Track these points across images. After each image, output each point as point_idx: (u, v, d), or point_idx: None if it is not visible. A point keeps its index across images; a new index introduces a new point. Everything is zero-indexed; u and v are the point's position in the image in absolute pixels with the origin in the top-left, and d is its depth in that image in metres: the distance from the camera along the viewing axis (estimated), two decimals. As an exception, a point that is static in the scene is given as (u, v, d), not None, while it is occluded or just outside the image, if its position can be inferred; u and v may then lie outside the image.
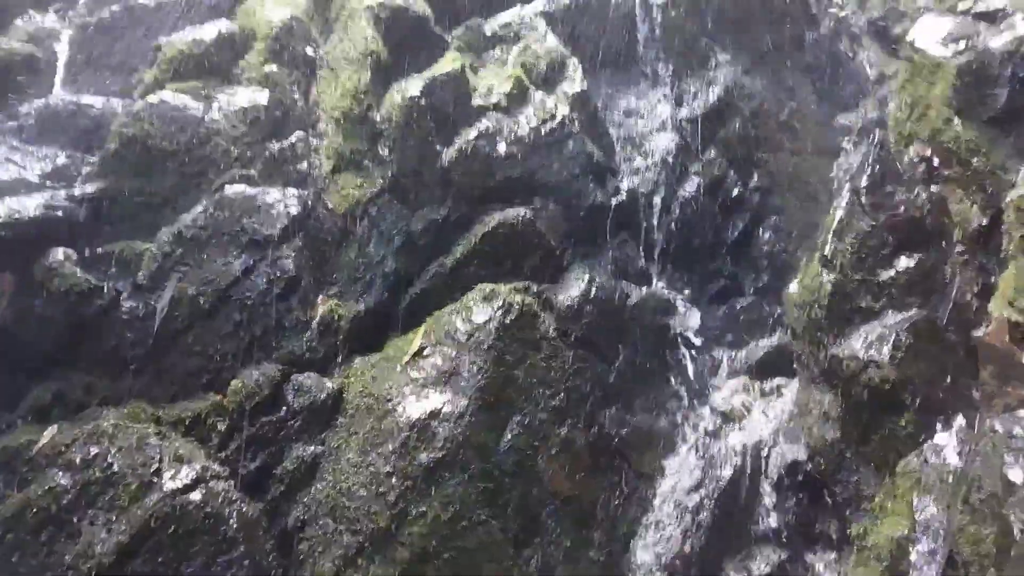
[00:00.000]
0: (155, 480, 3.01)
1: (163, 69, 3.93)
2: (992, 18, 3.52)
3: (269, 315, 3.53)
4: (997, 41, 3.37)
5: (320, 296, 3.70)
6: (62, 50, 4.14)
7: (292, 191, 3.79)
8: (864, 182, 3.48)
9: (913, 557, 2.61)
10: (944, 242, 3.30)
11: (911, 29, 3.75)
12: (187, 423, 3.27)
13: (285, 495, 3.27)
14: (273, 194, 3.74)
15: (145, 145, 3.65)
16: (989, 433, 2.51)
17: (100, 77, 4.13)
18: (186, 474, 3.05)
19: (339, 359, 3.61)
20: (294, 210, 3.72)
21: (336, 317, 3.66)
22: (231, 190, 3.66)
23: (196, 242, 3.54)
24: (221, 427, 3.28)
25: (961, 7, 3.76)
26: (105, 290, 3.37)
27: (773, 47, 4.97)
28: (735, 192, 4.45)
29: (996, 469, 2.38)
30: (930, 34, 3.57)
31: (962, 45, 3.43)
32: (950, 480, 2.64)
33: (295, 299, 3.61)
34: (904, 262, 3.30)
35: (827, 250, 3.40)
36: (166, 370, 3.40)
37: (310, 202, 3.82)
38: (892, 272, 3.30)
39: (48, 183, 3.57)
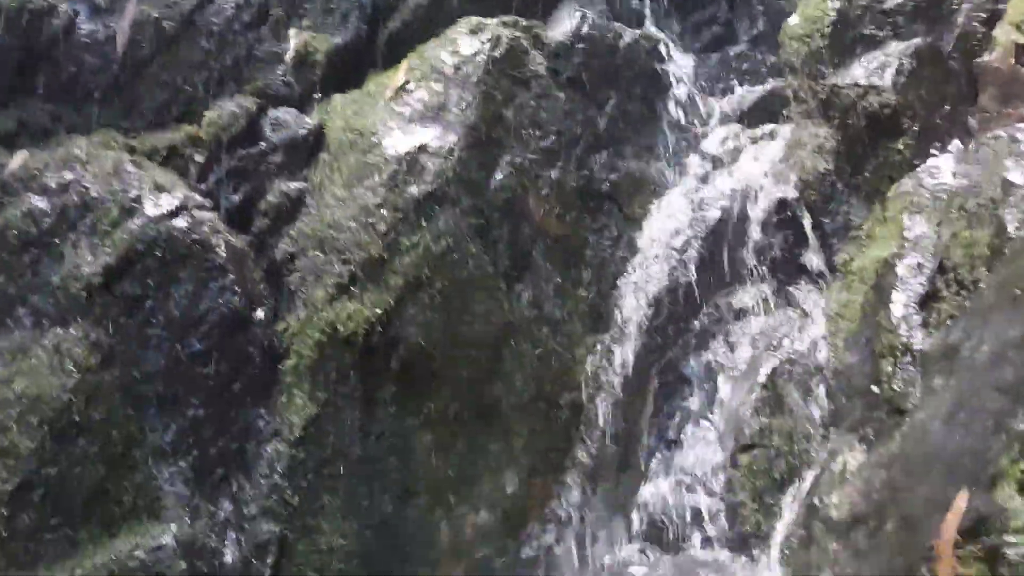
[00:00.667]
0: (136, 206, 2.91)
1: None
2: None
3: (239, 44, 3.32)
4: None
5: (292, 29, 3.47)
6: None
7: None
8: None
9: (900, 271, 2.65)
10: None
11: None
12: (163, 154, 3.14)
13: (271, 229, 3.21)
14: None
15: None
16: (990, 142, 2.49)
17: None
18: (168, 202, 2.96)
19: (317, 96, 3.45)
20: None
21: (311, 51, 3.45)
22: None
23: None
24: (199, 159, 3.15)
25: None
26: (61, 10, 3.11)
27: None
28: None
29: (996, 175, 2.38)
30: None
31: None
32: (944, 197, 2.65)
33: (266, 29, 3.38)
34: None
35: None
36: (135, 101, 3.22)
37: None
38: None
39: None
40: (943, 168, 2.76)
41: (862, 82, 3.04)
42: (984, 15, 3.04)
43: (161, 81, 3.22)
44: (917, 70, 2.98)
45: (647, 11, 4.01)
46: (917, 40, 3.06)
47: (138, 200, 2.93)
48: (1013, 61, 2.83)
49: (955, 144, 2.84)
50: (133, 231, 2.85)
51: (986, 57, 2.96)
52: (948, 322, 2.38)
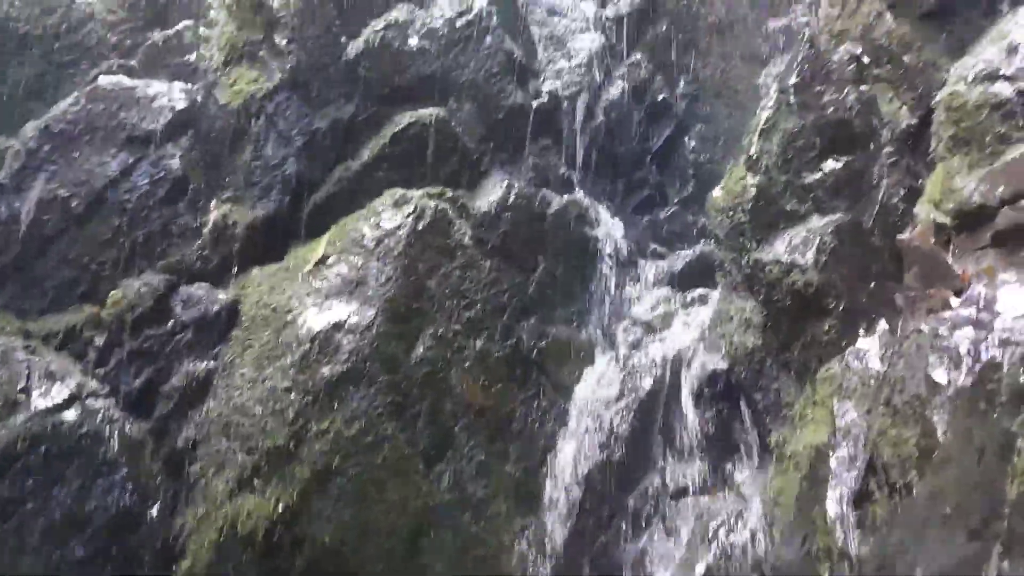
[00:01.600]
0: (23, 398, 2.72)
1: (25, -56, 3.47)
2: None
3: (153, 220, 3.22)
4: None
5: (213, 201, 3.39)
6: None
7: (178, 84, 3.44)
8: (793, 80, 3.31)
9: (832, 464, 2.53)
10: (872, 144, 3.17)
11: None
12: (60, 337, 2.97)
13: (174, 414, 3.02)
14: (156, 87, 3.38)
15: (5, 29, 3.23)
16: (914, 334, 2.41)
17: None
18: (58, 392, 2.78)
19: (234, 269, 3.33)
20: (180, 104, 3.38)
21: (231, 224, 3.36)
22: (106, 81, 3.29)
23: (66, 138, 3.18)
24: (99, 341, 3.00)
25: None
26: (-43, 190, 3.01)
27: (704, -54, 4.71)
28: (661, 97, 4.25)
29: (920, 370, 2.29)
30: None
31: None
32: (872, 384, 2.56)
33: (183, 203, 3.29)
34: (831, 164, 3.16)
35: (752, 151, 3.24)
36: (36, 280, 3.09)
37: (199, 97, 3.48)
38: (819, 175, 3.16)
39: None
40: (871, 352, 2.68)
41: (784, 259, 3.00)
42: (903, 191, 3.04)
43: (66, 259, 3.10)
44: (839, 248, 2.94)
45: (575, 176, 4.01)
46: (838, 215, 3.04)
47: (26, 391, 2.74)
48: (933, 240, 2.80)
49: (882, 325, 2.77)
50: (15, 427, 2.64)
51: (907, 234, 2.94)
52: (883, 528, 2.23)
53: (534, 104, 3.97)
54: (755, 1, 4.75)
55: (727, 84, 4.39)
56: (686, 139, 4.27)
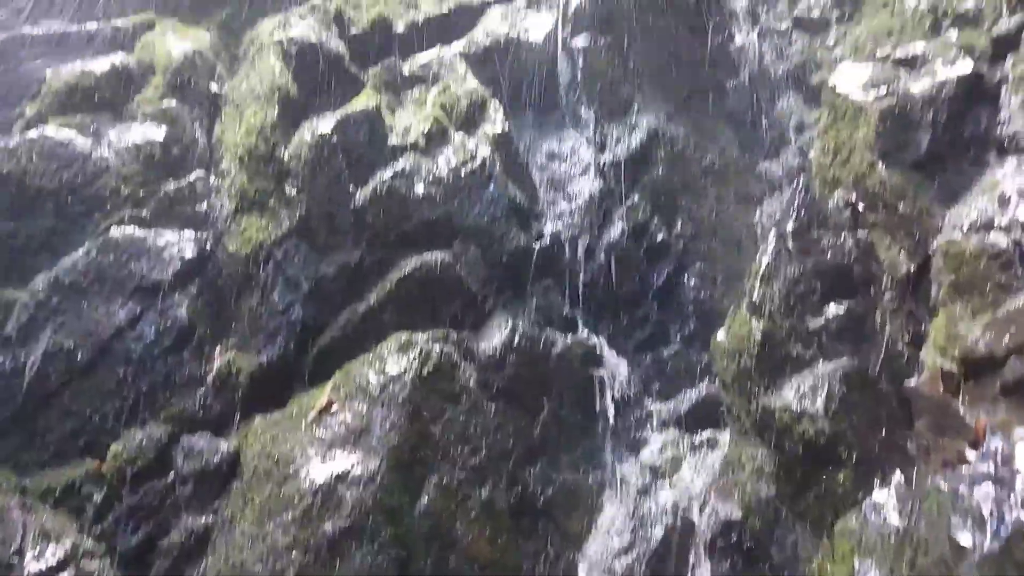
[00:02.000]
0: (16, 560, 2.62)
1: (47, 102, 3.61)
2: (912, 64, 3.52)
3: (158, 370, 3.21)
4: (918, 86, 3.37)
5: (217, 348, 3.39)
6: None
7: (188, 233, 3.50)
8: (790, 227, 3.40)
9: (859, 630, 2.43)
10: (873, 289, 3.23)
11: (832, 75, 3.73)
12: (57, 493, 2.90)
13: (170, 572, 2.91)
14: (166, 236, 3.43)
15: (22, 184, 3.31)
16: (933, 492, 2.37)
17: (-25, 109, 3.77)
18: (53, 552, 2.68)
19: (237, 418, 3.29)
20: (189, 253, 3.43)
21: (234, 371, 3.35)
22: (118, 232, 3.34)
23: (75, 289, 3.20)
24: (97, 497, 2.92)
25: (880, 53, 3.77)
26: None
27: (695, 94, 4.94)
28: (660, 238, 4.33)
29: (943, 532, 2.24)
30: (851, 80, 3.55)
31: (883, 90, 3.41)
32: (892, 541, 2.49)
33: (188, 351, 3.29)
34: (833, 309, 3.20)
35: (755, 296, 3.28)
36: (37, 434, 3.04)
37: (208, 245, 3.53)
38: (822, 319, 3.20)
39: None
40: (888, 505, 2.62)
41: (794, 407, 2.99)
42: (908, 336, 3.07)
43: (69, 412, 3.07)
44: (848, 395, 2.94)
45: (579, 315, 4.03)
46: (844, 360, 3.05)
47: (19, 553, 2.65)
48: (942, 389, 2.80)
49: (897, 477, 2.72)
50: (5, 595, 2.53)
51: (915, 381, 2.94)
52: None
53: (536, 246, 4.04)
54: (746, 145, 4.93)
55: (723, 224, 4.50)
56: (685, 278, 4.32)
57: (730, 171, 4.71)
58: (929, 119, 3.27)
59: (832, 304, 3.18)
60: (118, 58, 3.91)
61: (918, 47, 3.54)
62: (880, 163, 3.30)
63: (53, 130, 3.49)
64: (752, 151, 4.91)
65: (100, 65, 3.81)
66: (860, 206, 3.37)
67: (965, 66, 3.31)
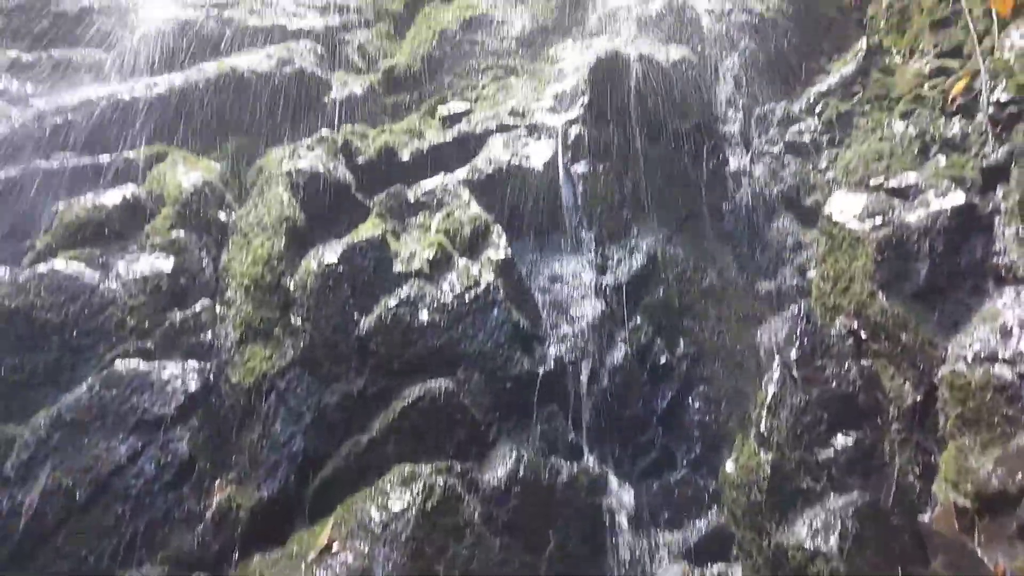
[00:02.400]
0: None
1: (58, 236, 3.67)
2: (905, 194, 3.61)
3: (157, 506, 3.14)
4: (912, 216, 3.44)
5: (217, 483, 3.33)
6: (-53, 214, 3.85)
7: (192, 364, 3.50)
8: (794, 355, 3.41)
9: None
10: (880, 419, 3.21)
11: (827, 204, 3.82)
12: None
13: None
14: (170, 369, 3.43)
15: (29, 318, 3.33)
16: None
17: (-11, 243, 3.83)
18: None
19: (235, 557, 3.21)
20: (193, 386, 3.42)
21: (234, 507, 3.28)
22: (122, 365, 3.34)
23: (77, 425, 3.17)
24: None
25: (873, 182, 3.87)
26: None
27: (692, 215, 5.05)
28: (663, 360, 4.33)
29: None
30: (847, 209, 3.63)
31: (879, 220, 3.48)
32: None
33: (188, 487, 3.24)
34: (841, 440, 3.18)
35: (763, 427, 3.26)
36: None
37: (211, 376, 3.53)
38: (830, 451, 3.16)
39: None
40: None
41: (807, 546, 2.92)
42: (918, 468, 3.03)
43: (65, 553, 2.99)
44: (861, 532, 2.88)
45: (584, 441, 3.99)
46: (855, 495, 3.01)
47: None
48: (957, 527, 2.75)
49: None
50: None
51: (928, 516, 2.89)
52: None
53: (540, 371, 4.03)
54: (744, 265, 5.01)
55: (725, 345, 4.51)
56: (689, 400, 4.30)
57: (730, 291, 4.76)
58: (926, 249, 3.33)
59: (840, 435, 3.16)
60: (129, 190, 4.01)
61: (910, 177, 3.64)
62: (880, 293, 3.34)
63: (62, 263, 3.53)
64: (750, 271, 4.98)
65: (111, 198, 3.89)
66: (862, 334, 3.39)
67: (957, 197, 3.39)
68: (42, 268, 3.49)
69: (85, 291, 3.49)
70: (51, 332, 3.35)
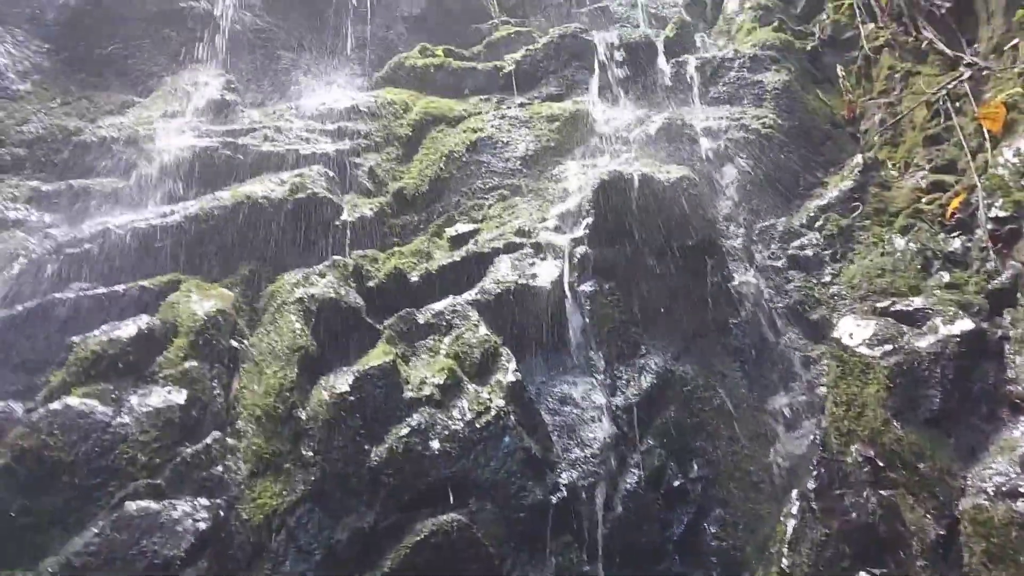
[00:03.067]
0: None
1: (72, 371, 3.69)
2: (912, 318, 3.65)
3: (162, 658, 3.05)
4: (923, 342, 3.46)
5: (226, 626, 3.25)
6: (-36, 350, 3.89)
7: (202, 502, 3.46)
8: (811, 485, 3.37)
9: None
10: (903, 552, 3.15)
11: (836, 328, 3.85)
12: None
13: None
14: (180, 507, 3.39)
15: (40, 458, 3.31)
16: None
17: (2, 378, 3.85)
18: None
19: None
20: (203, 525, 3.37)
21: (242, 657, 3.19)
22: (132, 506, 3.30)
23: (86, 570, 3.11)
24: None
25: (879, 305, 3.92)
26: None
27: (700, 332, 5.08)
28: (676, 483, 4.28)
29: None
30: (856, 334, 3.66)
31: (889, 347, 3.50)
32: None
33: (195, 636, 3.14)
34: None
35: (784, 563, 3.19)
36: None
37: (222, 513, 3.48)
38: (855, 587, 3.09)
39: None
40: None
41: None
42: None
43: None
44: None
45: (600, 573, 3.90)
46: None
47: None
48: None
49: None
50: None
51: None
52: None
53: (553, 500, 3.98)
54: (754, 381, 5.01)
55: (739, 466, 4.47)
56: (705, 525, 4.23)
57: (741, 410, 4.75)
58: (938, 375, 3.34)
59: (862, 572, 3.09)
60: (143, 321, 4.05)
61: (916, 301, 3.68)
62: (894, 420, 3.33)
63: (75, 400, 3.54)
64: (760, 388, 4.97)
65: (126, 330, 3.93)
66: (879, 462, 3.36)
67: (965, 323, 3.42)
68: (55, 406, 3.49)
69: (97, 429, 3.48)
70: (62, 472, 3.32)
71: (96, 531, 3.20)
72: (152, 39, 6.50)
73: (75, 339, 3.85)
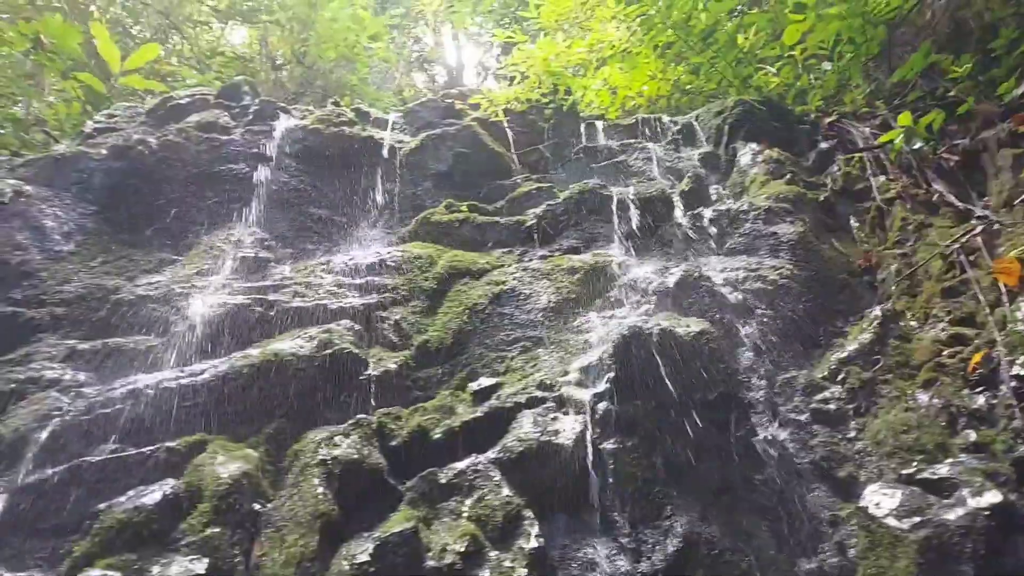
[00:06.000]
0: None
1: (97, 541, 3.71)
2: (939, 488, 3.60)
3: None
4: (951, 514, 3.41)
5: None
6: (-9, 517, 3.94)
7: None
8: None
9: None
10: None
11: (862, 498, 3.80)
12: None
13: None
14: None
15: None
16: None
17: (27, 545, 3.88)
18: None
19: None
20: None
21: None
22: None
23: None
24: None
25: (905, 472, 3.88)
26: None
27: (725, 488, 5.00)
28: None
29: None
30: (883, 504, 3.61)
31: (918, 519, 3.45)
32: None
33: None
34: None
35: None
36: None
37: None
38: None
39: None
40: None
41: None
42: None
43: None
44: None
45: None
46: None
47: None
48: None
49: None
50: None
51: None
52: None
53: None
54: (782, 541, 4.88)
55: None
56: None
57: (769, 574, 4.61)
58: (969, 551, 3.27)
59: None
60: (168, 486, 4.09)
61: (942, 470, 3.64)
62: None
63: (98, 573, 3.55)
64: (789, 548, 4.83)
65: (151, 497, 3.97)
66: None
67: (993, 496, 3.38)
68: (78, 580, 3.51)
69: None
70: None
71: None
72: (191, 199, 6.87)
73: (101, 507, 3.89)
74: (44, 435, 4.40)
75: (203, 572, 3.74)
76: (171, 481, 4.16)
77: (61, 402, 4.74)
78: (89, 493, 4.13)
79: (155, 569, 3.67)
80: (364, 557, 3.85)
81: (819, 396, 5.54)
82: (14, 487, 4.09)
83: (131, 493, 4.02)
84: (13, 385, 4.84)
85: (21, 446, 4.36)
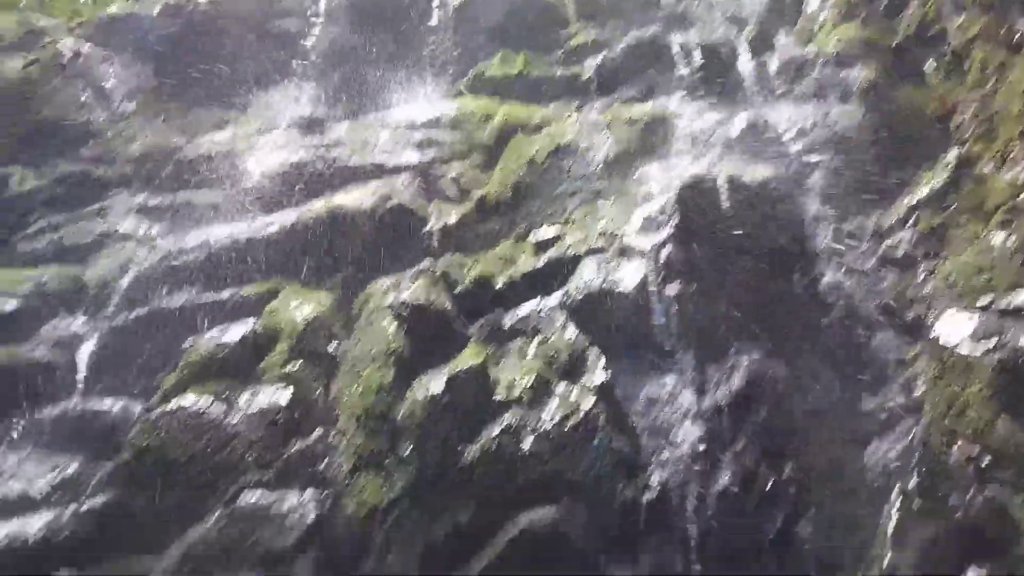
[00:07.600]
0: None
1: (185, 374, 3.91)
2: (1016, 315, 3.55)
3: (278, 643, 3.20)
4: (1026, 339, 3.37)
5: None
6: (86, 353, 4.16)
7: (310, 494, 3.62)
8: (913, 485, 3.31)
9: None
10: (1008, 552, 3.06)
11: (934, 326, 3.77)
12: None
13: None
14: (290, 500, 3.56)
15: (159, 455, 3.53)
16: None
17: (122, 379, 4.11)
18: None
19: None
20: (310, 517, 3.53)
21: (352, 643, 3.32)
22: (245, 499, 3.48)
23: (207, 558, 3.29)
24: None
25: (981, 302, 3.81)
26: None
27: (790, 333, 5.00)
28: (769, 484, 4.23)
29: None
30: (956, 331, 3.59)
31: (992, 343, 3.42)
32: None
33: (308, 622, 3.29)
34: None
35: (885, 564, 3.14)
36: None
37: (327, 506, 3.63)
38: (961, 587, 3.03)
39: (55, 496, 3.42)
40: None
41: None
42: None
43: None
44: None
45: (694, 572, 3.90)
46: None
47: None
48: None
49: None
50: None
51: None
52: None
53: (644, 499, 4.00)
54: (846, 383, 4.91)
55: (833, 468, 4.38)
56: (800, 526, 4.17)
57: (834, 411, 4.66)
58: (1045, 372, 3.24)
59: (971, 571, 3.02)
60: (248, 326, 4.26)
61: (1019, 296, 3.57)
62: (999, 419, 3.25)
63: (190, 400, 3.76)
64: (853, 389, 4.86)
65: (232, 335, 4.15)
66: (984, 460, 3.28)
67: (1072, 319, 3.31)
68: (172, 405, 3.71)
69: (209, 428, 3.68)
70: (179, 469, 3.53)
71: (213, 522, 3.38)
72: (247, 57, 6.81)
73: (188, 343, 4.06)
74: (125, 282, 4.57)
75: (287, 402, 3.92)
76: (251, 321, 4.32)
77: (137, 253, 4.90)
78: (171, 335, 4.31)
79: (244, 396, 3.86)
80: (437, 388, 3.99)
81: (888, 242, 5.42)
82: (104, 328, 4.29)
83: (214, 332, 4.19)
84: (92, 238, 5.00)
85: (106, 292, 4.54)
